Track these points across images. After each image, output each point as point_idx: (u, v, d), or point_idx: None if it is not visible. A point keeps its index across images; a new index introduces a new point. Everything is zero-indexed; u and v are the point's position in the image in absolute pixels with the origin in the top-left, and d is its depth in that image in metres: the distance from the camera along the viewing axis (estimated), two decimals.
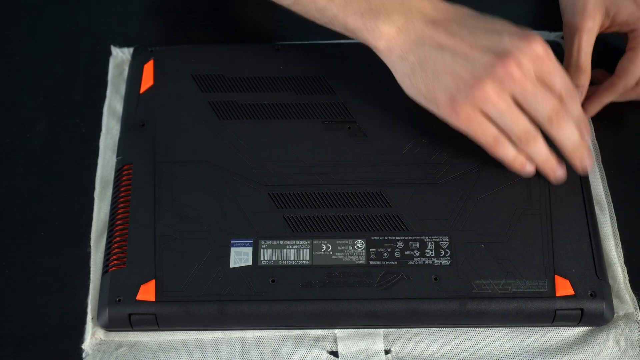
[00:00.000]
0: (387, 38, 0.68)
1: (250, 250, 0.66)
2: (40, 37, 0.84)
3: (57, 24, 0.85)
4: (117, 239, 0.67)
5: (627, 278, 0.68)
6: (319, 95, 0.75)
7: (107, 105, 0.78)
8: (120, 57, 0.81)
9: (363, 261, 0.66)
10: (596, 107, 0.76)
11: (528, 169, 0.68)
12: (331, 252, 0.66)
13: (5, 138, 0.77)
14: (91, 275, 0.69)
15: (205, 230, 0.67)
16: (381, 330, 0.66)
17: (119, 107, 0.77)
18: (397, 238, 0.67)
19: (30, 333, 0.67)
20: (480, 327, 0.66)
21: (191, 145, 0.72)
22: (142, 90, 0.76)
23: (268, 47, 0.79)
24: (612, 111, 0.78)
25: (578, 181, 0.70)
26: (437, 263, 0.66)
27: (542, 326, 0.66)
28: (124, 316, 0.64)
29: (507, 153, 0.67)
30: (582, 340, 0.65)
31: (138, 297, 0.64)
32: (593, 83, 0.76)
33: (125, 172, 0.71)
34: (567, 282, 0.65)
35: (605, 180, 0.73)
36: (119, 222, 0.68)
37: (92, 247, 0.70)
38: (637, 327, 0.66)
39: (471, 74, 0.65)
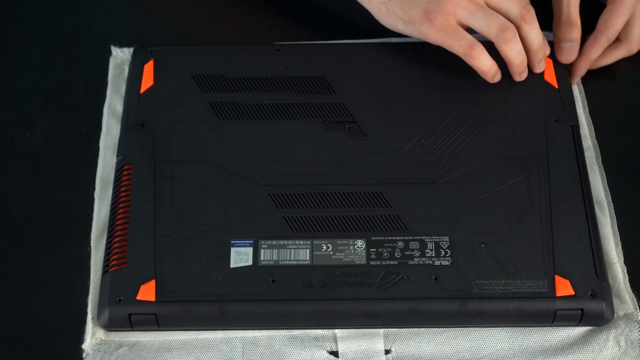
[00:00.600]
0: None
1: (250, 250, 0.66)
2: (40, 37, 0.84)
3: (57, 24, 0.85)
4: (117, 239, 0.67)
5: (627, 278, 0.68)
6: (319, 95, 0.75)
7: (107, 105, 0.78)
8: (120, 57, 0.81)
9: (363, 261, 0.66)
10: (584, 64, 0.78)
11: (498, 78, 0.74)
12: (331, 252, 0.66)
13: (5, 138, 0.77)
14: (91, 275, 0.69)
15: (206, 230, 0.67)
16: (381, 330, 0.66)
17: (119, 107, 0.77)
18: (398, 238, 0.67)
19: (30, 333, 0.67)
20: (480, 327, 0.66)
21: (191, 145, 0.72)
22: (142, 90, 0.76)
23: (268, 47, 0.79)
24: (612, 111, 0.78)
25: (578, 181, 0.70)
26: (437, 263, 0.66)
27: (542, 326, 0.66)
28: (124, 316, 0.64)
29: (482, 62, 0.73)
30: (582, 340, 0.65)
31: (138, 297, 0.64)
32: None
33: (125, 172, 0.71)
34: (567, 282, 0.65)
35: (605, 180, 0.73)
36: (119, 222, 0.68)
37: (92, 247, 0.70)
38: (637, 327, 0.66)
39: None
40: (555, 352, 0.65)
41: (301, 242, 0.67)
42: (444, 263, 0.66)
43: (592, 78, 0.79)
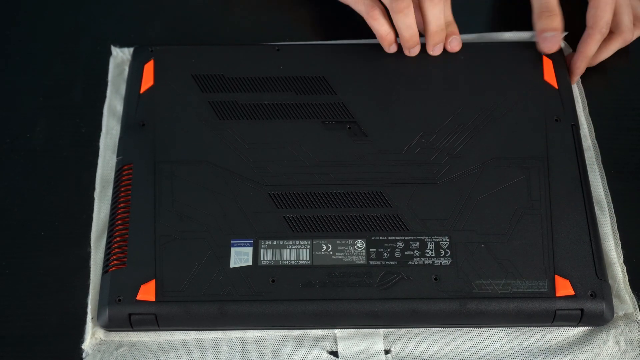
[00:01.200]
0: None
1: (250, 250, 0.66)
2: (40, 37, 0.84)
3: (57, 24, 0.85)
4: (117, 239, 0.67)
5: (627, 278, 0.68)
6: (319, 95, 0.75)
7: (107, 105, 0.78)
8: (120, 57, 0.81)
9: (363, 261, 0.66)
10: (582, 63, 0.78)
11: (393, 49, 0.76)
12: (331, 252, 0.66)
13: (5, 138, 0.77)
14: (91, 275, 0.69)
15: (205, 230, 0.67)
16: (381, 330, 0.66)
17: (119, 107, 0.77)
18: (397, 238, 0.67)
19: (30, 333, 0.67)
20: (480, 327, 0.66)
21: (191, 145, 0.72)
22: (142, 90, 0.76)
23: (268, 47, 0.79)
24: (612, 111, 0.78)
25: (578, 181, 0.70)
26: (437, 263, 0.66)
27: (542, 326, 0.66)
28: (124, 316, 0.64)
29: (381, 24, 0.75)
30: (582, 340, 0.65)
31: (138, 297, 0.64)
32: None
33: (125, 172, 0.71)
34: (567, 282, 0.65)
35: (605, 180, 0.73)
36: (119, 222, 0.68)
37: (92, 247, 0.70)
38: (637, 327, 0.66)
39: None
40: (555, 352, 0.65)
41: (301, 242, 0.67)
42: (443, 263, 0.66)
43: (592, 78, 0.79)
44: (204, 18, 0.86)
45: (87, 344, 0.66)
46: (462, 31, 0.79)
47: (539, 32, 0.77)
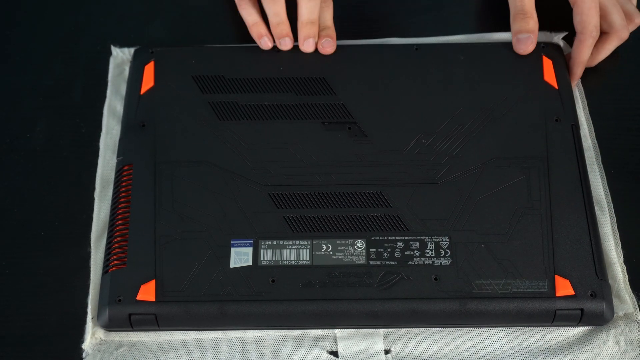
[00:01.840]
0: None
1: (250, 250, 0.66)
2: (40, 37, 0.84)
3: (57, 24, 0.85)
4: (117, 239, 0.67)
5: (627, 278, 0.68)
6: (319, 96, 0.75)
7: (107, 105, 0.78)
8: (120, 57, 0.81)
9: (363, 261, 0.66)
10: (578, 68, 0.78)
11: (264, 44, 0.77)
12: (331, 252, 0.66)
13: (5, 138, 0.77)
14: (91, 275, 0.69)
15: (205, 231, 0.67)
16: (381, 330, 0.66)
17: (119, 107, 0.77)
18: (397, 238, 0.67)
19: (30, 333, 0.67)
20: (480, 327, 0.66)
21: (191, 145, 0.72)
22: (142, 91, 0.76)
23: None
24: (612, 111, 0.78)
25: (578, 181, 0.70)
26: (437, 263, 0.66)
27: (542, 326, 0.66)
28: (124, 316, 0.64)
29: (248, 15, 0.78)
30: (582, 340, 0.65)
31: (138, 297, 0.64)
32: None
33: (125, 173, 0.71)
34: (567, 282, 0.65)
35: (605, 180, 0.73)
36: (119, 222, 0.68)
37: (92, 247, 0.70)
38: (637, 327, 0.66)
39: None
40: (555, 352, 0.65)
41: (301, 242, 0.67)
42: (443, 263, 0.66)
43: (592, 78, 0.79)
44: (204, 18, 0.86)
45: (87, 344, 0.66)
46: (462, 31, 0.79)
47: (514, 33, 0.77)
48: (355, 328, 0.66)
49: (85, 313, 0.67)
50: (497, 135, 0.72)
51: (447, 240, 0.67)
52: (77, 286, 0.68)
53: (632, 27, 0.80)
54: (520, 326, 0.66)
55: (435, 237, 0.67)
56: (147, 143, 0.72)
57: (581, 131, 0.74)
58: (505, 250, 0.66)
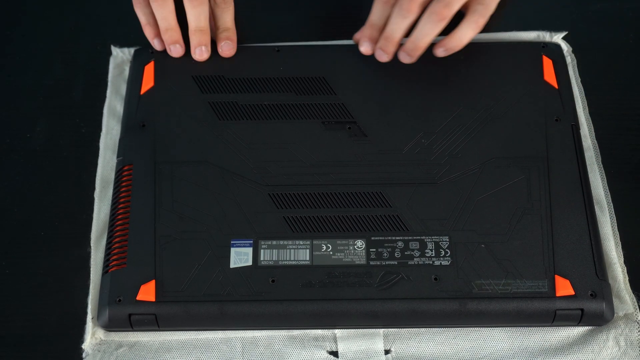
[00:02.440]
0: None
1: (250, 250, 0.66)
2: (40, 37, 0.84)
3: (57, 24, 0.85)
4: (117, 239, 0.67)
5: (627, 278, 0.68)
6: (319, 95, 0.75)
7: (107, 105, 0.78)
8: (120, 57, 0.81)
9: (363, 261, 0.66)
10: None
11: (156, 45, 0.76)
12: (331, 252, 0.66)
13: (5, 138, 0.77)
14: (91, 275, 0.69)
15: (205, 231, 0.67)
16: (381, 330, 0.66)
17: (119, 107, 0.77)
18: (397, 238, 0.67)
19: (30, 333, 0.67)
20: (480, 327, 0.66)
21: (191, 145, 0.72)
22: (142, 91, 0.76)
23: (268, 48, 0.79)
24: (612, 111, 0.78)
25: (578, 181, 0.70)
26: (437, 263, 0.66)
27: (542, 326, 0.66)
28: (124, 316, 0.64)
29: (141, 15, 0.75)
30: (582, 340, 0.65)
31: (138, 297, 0.64)
32: None
33: (125, 173, 0.71)
34: (567, 282, 0.65)
35: (605, 180, 0.73)
36: (119, 222, 0.68)
37: (92, 247, 0.70)
38: (637, 327, 0.66)
39: None
40: (555, 352, 0.65)
41: (301, 242, 0.67)
42: (443, 263, 0.66)
43: (592, 78, 0.79)
44: None
45: (87, 344, 0.66)
46: None
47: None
48: (355, 328, 0.66)
49: (85, 313, 0.67)
50: (497, 135, 0.72)
51: (447, 240, 0.67)
52: (77, 286, 0.68)
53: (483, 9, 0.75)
54: (521, 326, 0.66)
55: (435, 237, 0.67)
56: (147, 143, 0.72)
57: (581, 131, 0.74)
58: (505, 250, 0.66)
